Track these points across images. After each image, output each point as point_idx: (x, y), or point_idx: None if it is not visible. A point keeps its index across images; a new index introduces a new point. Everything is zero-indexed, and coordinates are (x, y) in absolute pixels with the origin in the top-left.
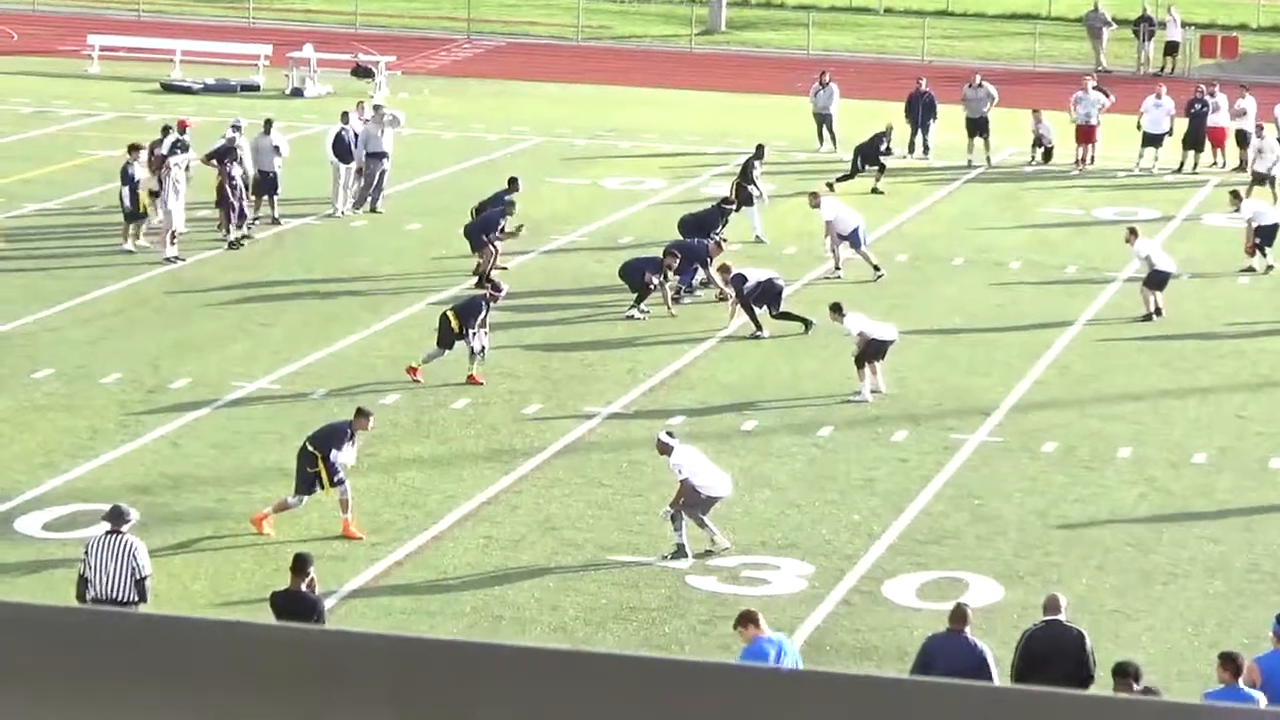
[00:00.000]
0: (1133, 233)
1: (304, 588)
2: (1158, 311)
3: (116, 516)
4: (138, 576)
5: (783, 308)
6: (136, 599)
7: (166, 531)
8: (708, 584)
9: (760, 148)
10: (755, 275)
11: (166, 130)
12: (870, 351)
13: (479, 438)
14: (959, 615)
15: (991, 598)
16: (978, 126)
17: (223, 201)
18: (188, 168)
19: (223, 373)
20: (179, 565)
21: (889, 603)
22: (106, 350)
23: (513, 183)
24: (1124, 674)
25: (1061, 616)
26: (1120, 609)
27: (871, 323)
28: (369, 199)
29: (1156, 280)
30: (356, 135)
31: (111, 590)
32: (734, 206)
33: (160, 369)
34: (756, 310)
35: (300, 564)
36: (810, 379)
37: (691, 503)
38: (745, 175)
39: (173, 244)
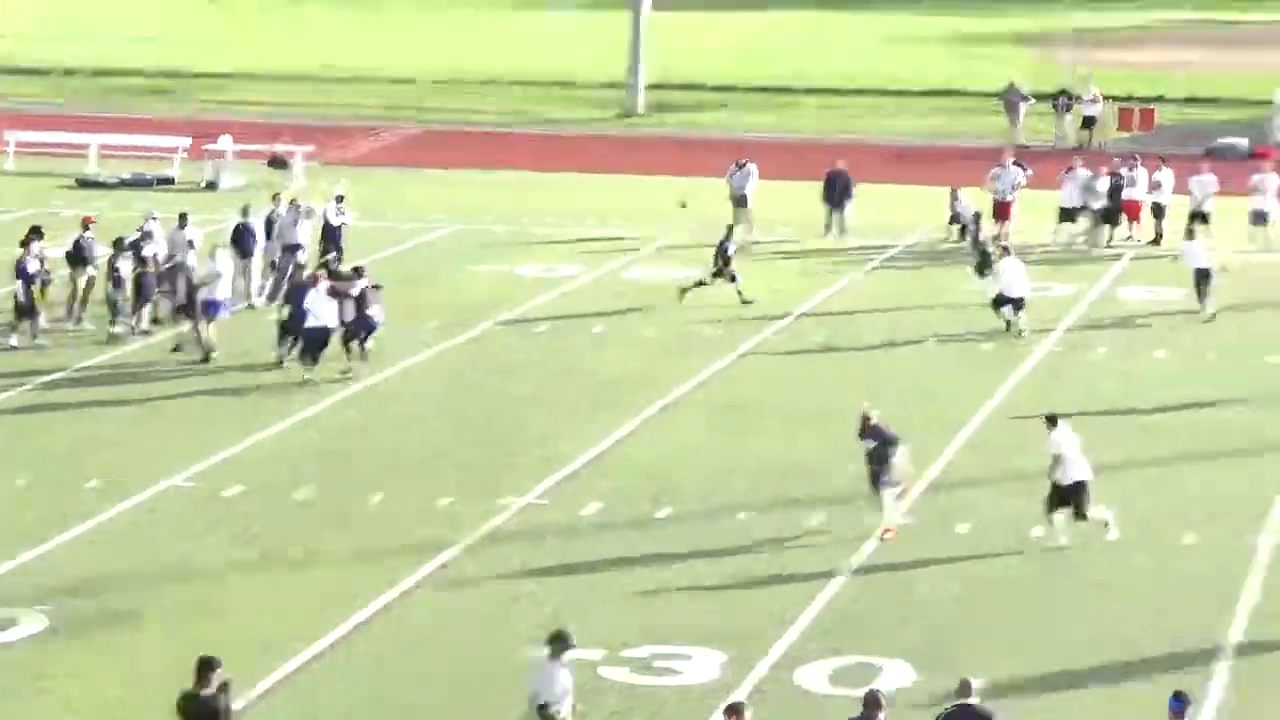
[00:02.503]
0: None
1: (210, 690)
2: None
3: (556, 640)
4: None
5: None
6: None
7: (80, 635)
8: (620, 675)
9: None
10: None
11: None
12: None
13: (395, 531)
14: (872, 702)
15: (903, 681)
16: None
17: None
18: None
19: (134, 471)
20: (94, 669)
21: (801, 690)
22: (12, 453)
23: None
24: None
25: (973, 700)
26: (1031, 689)
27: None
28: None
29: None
30: (256, 230)
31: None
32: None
33: (69, 469)
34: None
35: (202, 668)
36: (732, 461)
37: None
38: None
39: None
